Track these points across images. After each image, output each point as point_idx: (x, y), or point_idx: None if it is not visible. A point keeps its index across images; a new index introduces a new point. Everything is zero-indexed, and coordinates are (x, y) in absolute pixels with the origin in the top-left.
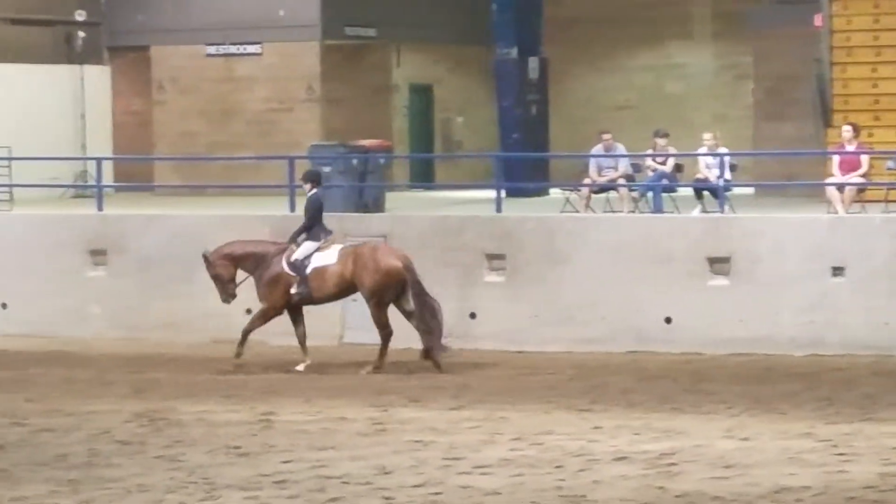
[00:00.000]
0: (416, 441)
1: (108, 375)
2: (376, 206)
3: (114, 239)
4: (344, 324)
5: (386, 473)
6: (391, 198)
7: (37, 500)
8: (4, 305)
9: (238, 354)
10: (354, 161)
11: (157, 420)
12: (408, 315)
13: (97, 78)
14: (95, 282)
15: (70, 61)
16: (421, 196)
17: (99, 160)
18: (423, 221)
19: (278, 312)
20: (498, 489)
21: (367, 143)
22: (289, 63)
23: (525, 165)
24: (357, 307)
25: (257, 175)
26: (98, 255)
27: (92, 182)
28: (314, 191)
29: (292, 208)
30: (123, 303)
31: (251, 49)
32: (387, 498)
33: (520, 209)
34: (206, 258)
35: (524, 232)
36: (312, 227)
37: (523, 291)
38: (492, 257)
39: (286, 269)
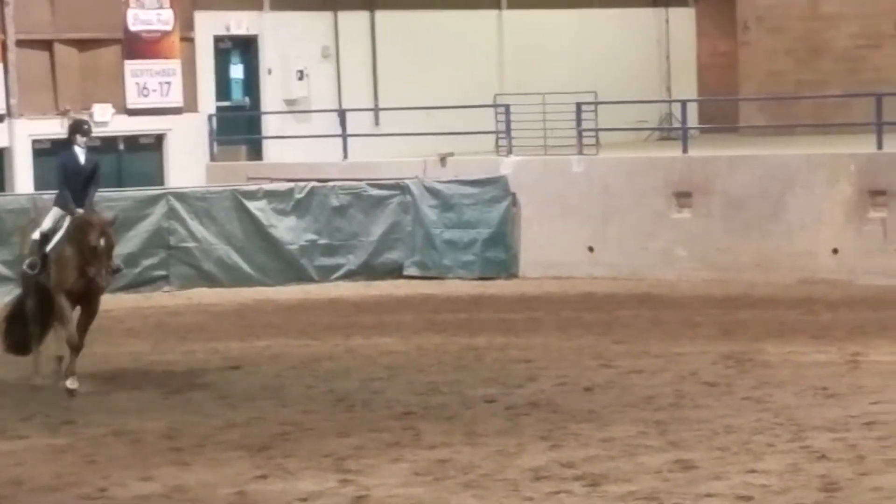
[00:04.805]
0: None
1: (695, 317)
2: None
3: (699, 181)
4: None
5: None
6: None
7: (625, 440)
8: (591, 249)
9: None
10: None
11: (743, 361)
12: None
13: (682, 20)
14: (681, 223)
15: (655, 4)
16: None
17: (683, 102)
18: None
19: None
20: None
21: None
22: None
23: None
24: None
25: (845, 113)
26: (683, 196)
27: (676, 124)
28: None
29: (879, 146)
30: (710, 244)
31: None
32: None
33: None
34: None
35: None
36: None
37: None
38: None
39: None
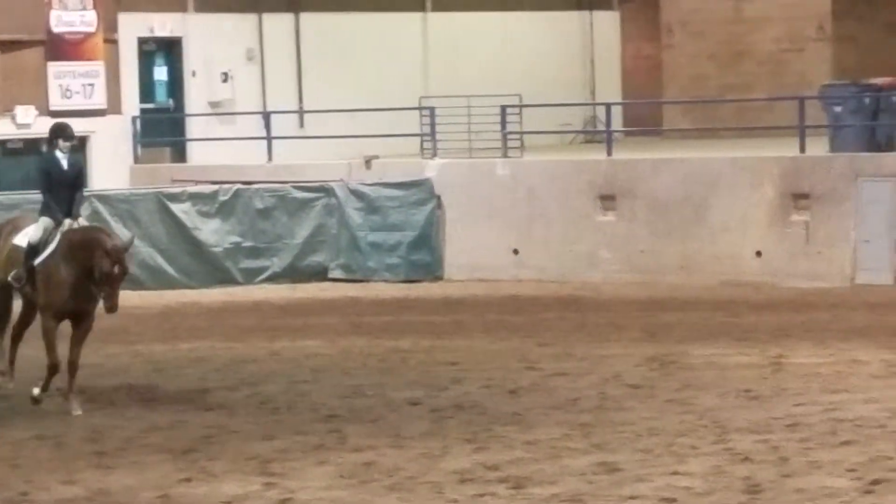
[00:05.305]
0: None
1: (619, 319)
2: (889, 145)
3: (623, 183)
4: (855, 264)
5: None
6: None
7: (549, 442)
8: (516, 251)
9: None
10: (867, 100)
11: (667, 363)
12: None
13: (606, 23)
14: (605, 226)
15: (579, 7)
16: None
17: (608, 105)
18: None
19: None
20: None
21: (880, 81)
22: (798, 2)
23: None
24: (869, 247)
25: (768, 116)
26: (607, 199)
27: (601, 127)
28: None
29: (802, 149)
30: (634, 247)
31: None
32: None
33: None
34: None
35: None
36: None
37: None
38: None
39: None
